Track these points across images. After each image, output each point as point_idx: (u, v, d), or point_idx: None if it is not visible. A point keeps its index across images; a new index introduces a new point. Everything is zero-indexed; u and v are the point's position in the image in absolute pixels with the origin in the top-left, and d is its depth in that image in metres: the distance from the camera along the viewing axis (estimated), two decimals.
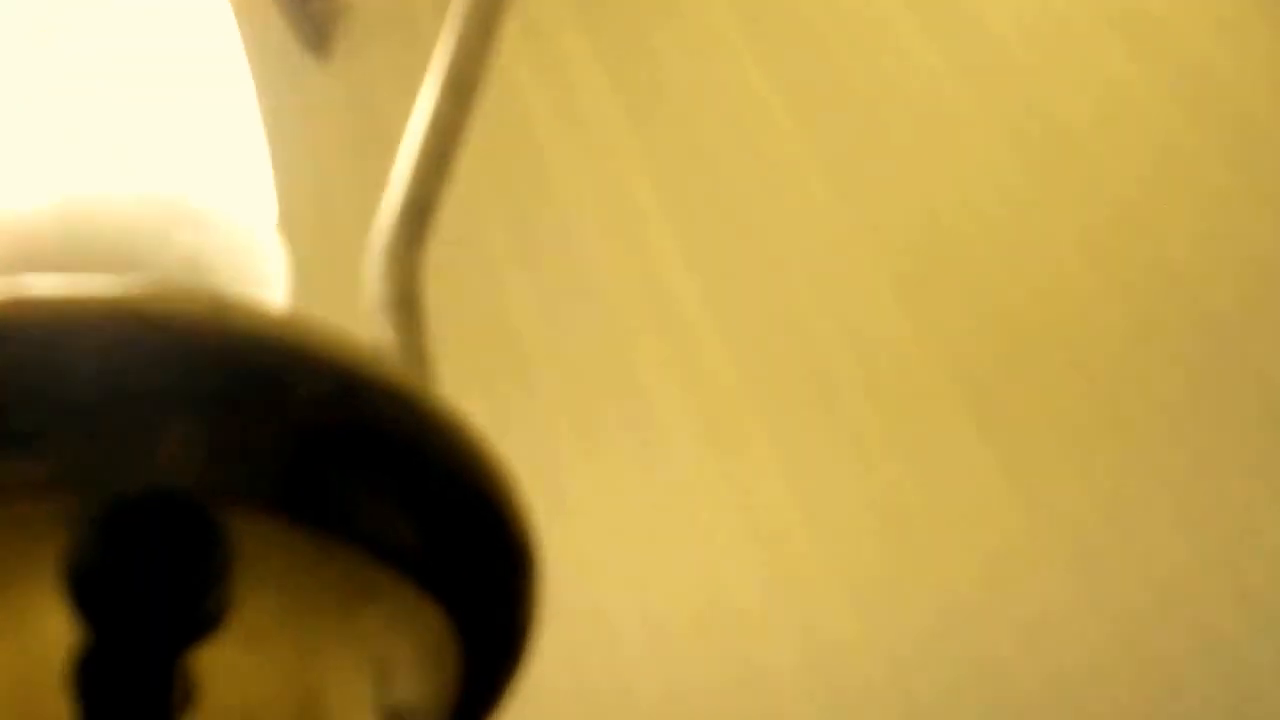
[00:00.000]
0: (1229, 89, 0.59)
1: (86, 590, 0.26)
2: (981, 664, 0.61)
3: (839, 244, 0.61)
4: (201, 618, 0.26)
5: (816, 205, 0.61)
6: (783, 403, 0.62)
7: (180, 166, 0.37)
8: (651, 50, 0.63)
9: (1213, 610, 0.59)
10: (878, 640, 0.62)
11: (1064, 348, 0.62)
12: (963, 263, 0.64)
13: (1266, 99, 0.59)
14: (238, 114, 0.42)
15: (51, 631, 0.25)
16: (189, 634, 0.26)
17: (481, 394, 0.58)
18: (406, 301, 0.36)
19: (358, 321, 0.35)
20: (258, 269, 0.37)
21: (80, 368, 0.28)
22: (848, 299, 0.61)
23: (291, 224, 0.38)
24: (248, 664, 0.26)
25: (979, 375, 0.63)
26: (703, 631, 0.65)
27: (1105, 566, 0.63)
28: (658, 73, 0.63)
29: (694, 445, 0.63)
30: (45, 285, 0.28)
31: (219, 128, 0.40)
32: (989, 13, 0.63)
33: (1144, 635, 0.60)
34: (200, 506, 0.26)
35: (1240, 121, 0.59)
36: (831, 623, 0.63)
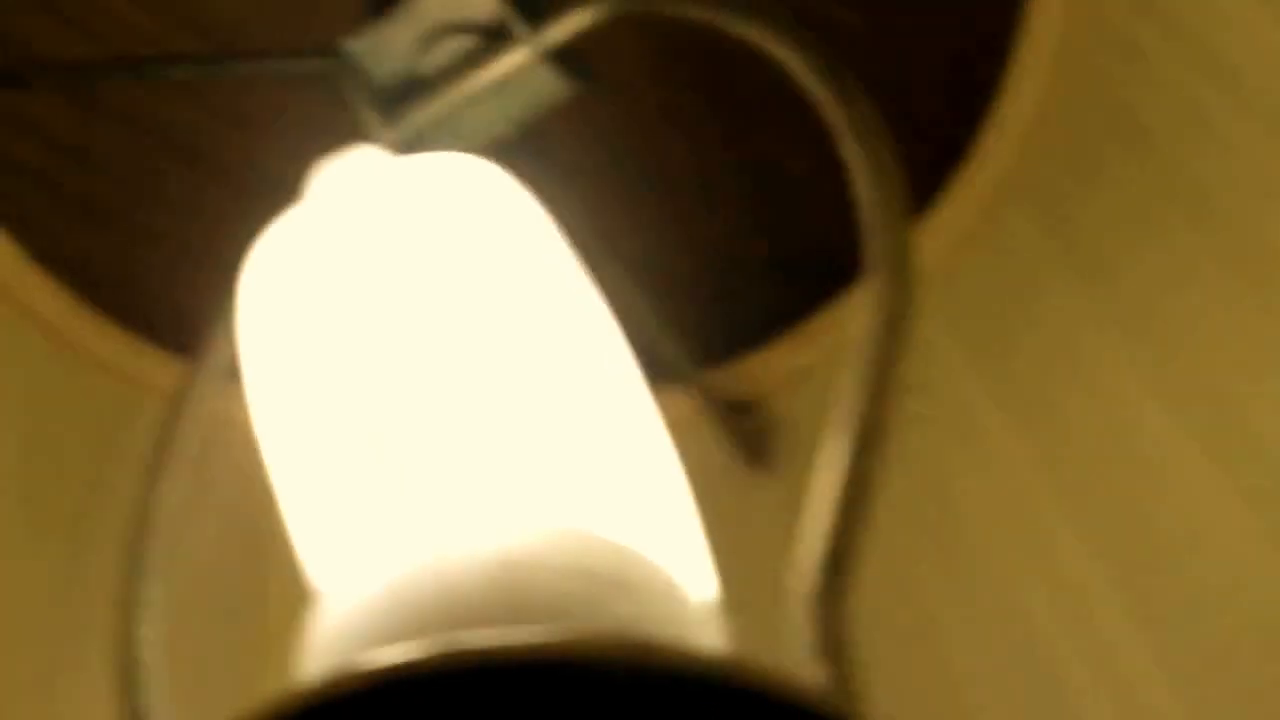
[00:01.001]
0: None
1: None
2: None
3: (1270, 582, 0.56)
4: None
5: (1250, 556, 0.57)
6: None
7: (631, 538, 0.38)
8: (1054, 399, 0.62)
9: None
10: None
11: None
12: None
13: None
14: (682, 501, 0.44)
15: None
16: None
17: None
18: (835, 649, 0.35)
19: None
20: (696, 640, 0.37)
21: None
22: None
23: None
24: None
25: None
26: None
27: None
28: (1061, 416, 0.61)
29: None
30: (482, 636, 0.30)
31: (667, 509, 0.42)
32: None
33: None
34: None
35: None
36: None
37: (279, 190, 0.46)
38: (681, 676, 0.30)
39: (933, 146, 0.65)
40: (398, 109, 0.54)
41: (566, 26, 0.53)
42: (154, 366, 0.66)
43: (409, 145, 0.53)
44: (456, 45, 0.55)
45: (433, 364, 0.38)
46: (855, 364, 0.39)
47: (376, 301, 0.39)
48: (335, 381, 0.38)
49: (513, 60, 0.54)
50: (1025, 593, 0.59)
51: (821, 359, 0.69)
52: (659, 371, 0.46)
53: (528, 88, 0.54)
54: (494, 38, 0.54)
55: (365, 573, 0.37)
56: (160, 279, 0.66)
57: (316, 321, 0.39)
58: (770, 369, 0.69)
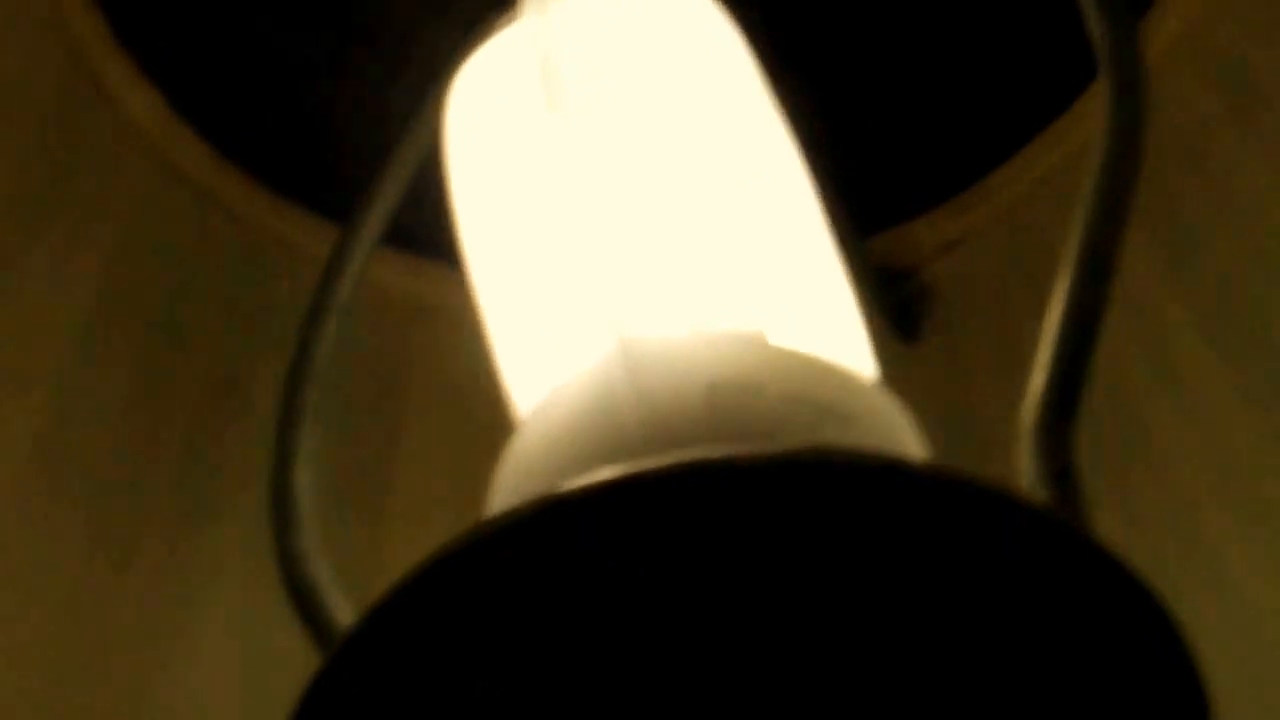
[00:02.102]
0: None
1: None
2: None
3: None
4: None
5: None
6: None
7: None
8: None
9: None
10: None
11: None
12: None
13: None
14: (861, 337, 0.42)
15: None
16: None
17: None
18: (1063, 475, 0.34)
19: None
20: None
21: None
22: None
23: None
24: None
25: None
26: None
27: None
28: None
29: None
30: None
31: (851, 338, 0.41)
32: None
33: None
34: None
35: None
36: None
37: (427, 60, 0.45)
38: (929, 488, 0.28)
39: None
40: None
41: None
42: (301, 229, 0.65)
43: None
44: None
45: (644, 177, 0.37)
46: (1086, 187, 0.37)
47: (586, 117, 0.37)
48: (542, 198, 0.37)
49: None
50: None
51: (974, 229, 0.66)
52: None
53: None
54: None
55: (569, 393, 0.35)
56: (313, 143, 0.65)
57: (525, 135, 0.38)
58: (923, 239, 0.67)
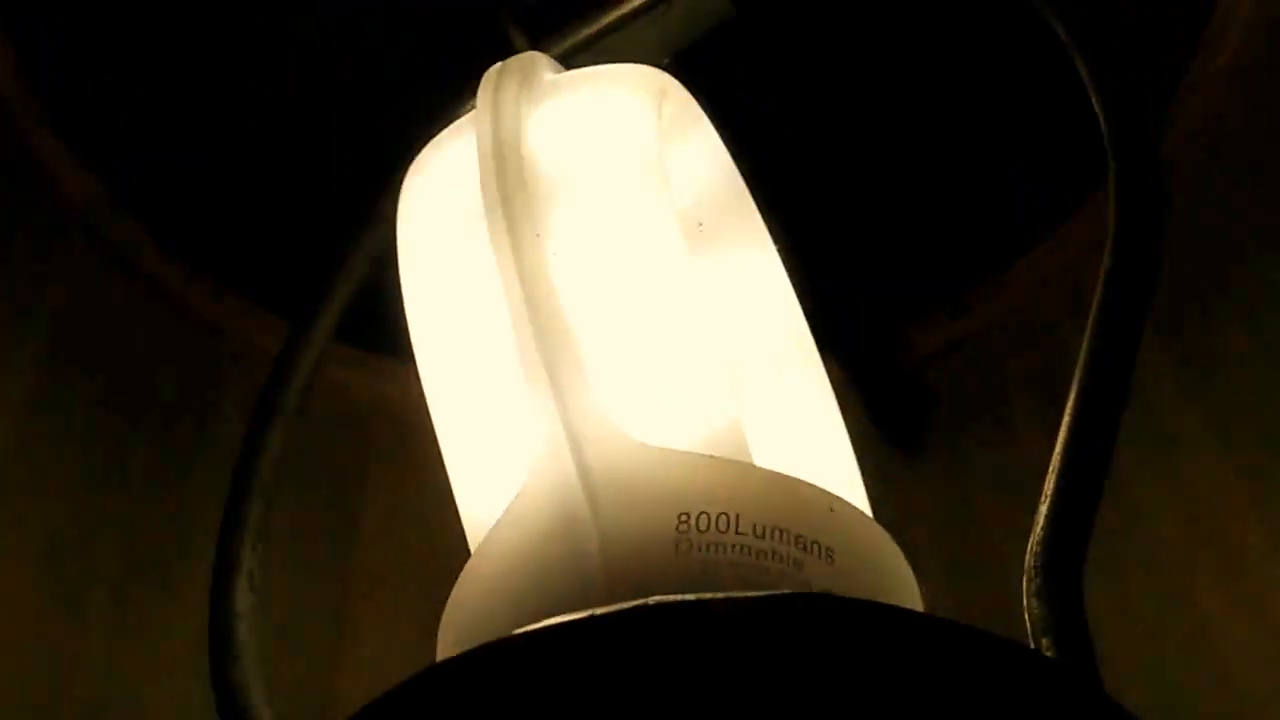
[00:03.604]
0: None
1: None
2: None
3: None
4: None
5: None
6: None
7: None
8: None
9: None
10: None
11: None
12: None
13: None
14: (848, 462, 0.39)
15: None
16: None
17: None
18: (1069, 629, 0.30)
19: None
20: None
21: None
22: None
23: None
24: None
25: None
26: None
27: None
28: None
29: None
30: None
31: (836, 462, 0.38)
32: None
33: None
34: None
35: None
36: None
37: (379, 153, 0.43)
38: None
39: None
40: (546, 33, 0.50)
41: None
42: (241, 317, 0.62)
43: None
44: None
45: (600, 274, 0.34)
46: (1094, 300, 0.33)
47: (542, 214, 0.34)
48: (493, 297, 0.34)
49: None
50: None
51: (977, 332, 0.63)
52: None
53: (684, 9, 0.50)
54: None
55: (524, 521, 0.32)
56: (254, 234, 0.62)
57: (474, 234, 0.35)
58: (923, 342, 0.64)
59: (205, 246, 0.62)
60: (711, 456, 0.33)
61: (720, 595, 0.25)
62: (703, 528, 0.31)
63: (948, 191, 0.63)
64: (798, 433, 0.37)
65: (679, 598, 0.24)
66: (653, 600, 0.24)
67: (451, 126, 0.37)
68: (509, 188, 0.34)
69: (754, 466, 0.33)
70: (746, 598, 0.25)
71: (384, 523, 0.60)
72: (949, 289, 0.64)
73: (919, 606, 0.34)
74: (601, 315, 0.34)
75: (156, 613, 0.57)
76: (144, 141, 0.62)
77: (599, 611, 0.24)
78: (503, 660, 0.26)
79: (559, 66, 0.40)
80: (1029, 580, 0.31)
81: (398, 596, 0.58)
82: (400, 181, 0.38)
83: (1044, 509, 0.32)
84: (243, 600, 0.40)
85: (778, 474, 0.34)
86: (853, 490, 0.37)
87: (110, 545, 0.58)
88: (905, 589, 0.34)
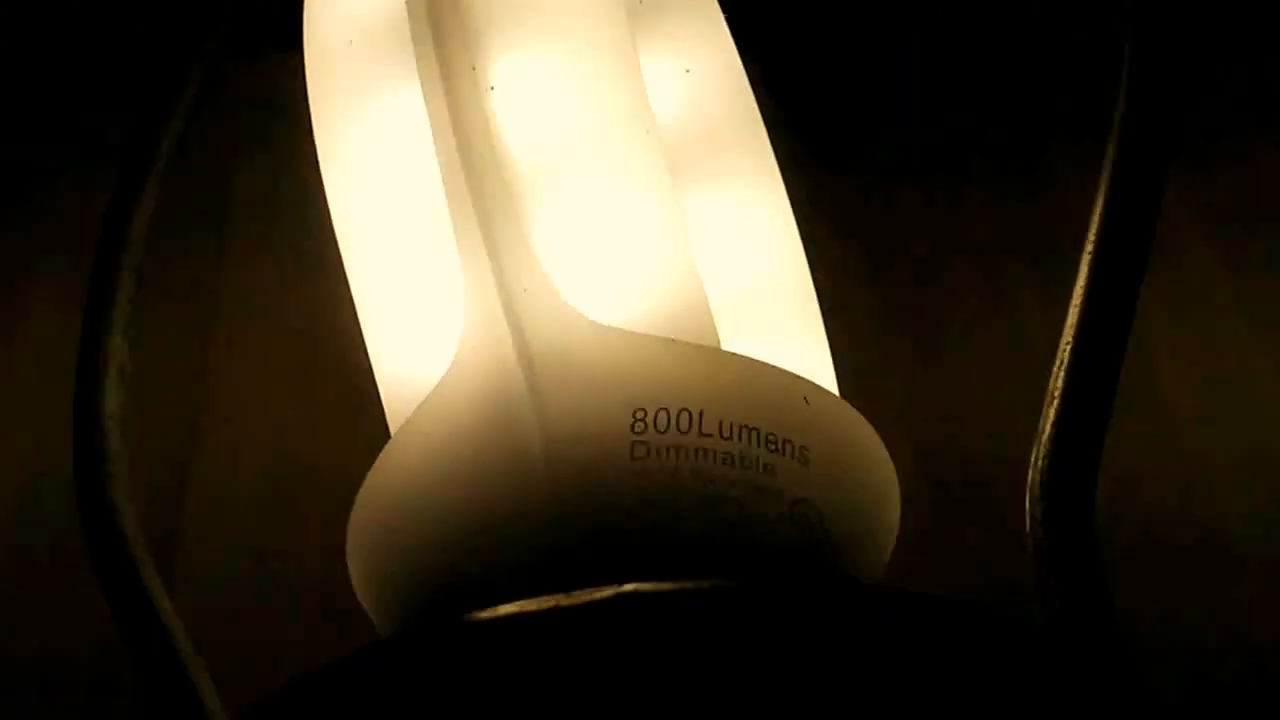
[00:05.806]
0: None
1: None
2: None
3: None
4: None
5: None
6: None
7: None
8: None
9: None
10: None
11: None
12: None
13: None
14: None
15: None
16: None
17: None
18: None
19: None
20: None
21: None
22: None
23: None
24: None
25: None
26: None
27: None
28: None
29: None
30: None
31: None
32: None
33: None
34: None
35: None
36: None
37: None
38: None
39: None
40: None
41: None
42: None
43: None
44: None
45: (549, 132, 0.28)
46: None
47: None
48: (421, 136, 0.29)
49: None
50: None
51: None
52: None
53: None
54: None
55: (455, 407, 0.28)
56: None
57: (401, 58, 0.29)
58: None
59: None
60: (672, 340, 0.28)
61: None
62: (661, 427, 0.27)
63: None
64: (769, 309, 0.33)
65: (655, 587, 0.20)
66: (629, 588, 0.20)
67: None
68: (441, 8, 0.29)
69: (720, 351, 0.29)
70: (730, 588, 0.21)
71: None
72: None
73: (896, 503, 0.31)
74: (548, 165, 0.29)
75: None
76: None
77: (564, 602, 0.20)
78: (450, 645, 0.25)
79: None
80: (1033, 500, 0.27)
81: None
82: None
83: (1050, 412, 0.28)
84: (113, 399, 0.33)
85: (746, 359, 0.29)
86: (823, 372, 0.33)
87: None
88: (884, 486, 0.30)
